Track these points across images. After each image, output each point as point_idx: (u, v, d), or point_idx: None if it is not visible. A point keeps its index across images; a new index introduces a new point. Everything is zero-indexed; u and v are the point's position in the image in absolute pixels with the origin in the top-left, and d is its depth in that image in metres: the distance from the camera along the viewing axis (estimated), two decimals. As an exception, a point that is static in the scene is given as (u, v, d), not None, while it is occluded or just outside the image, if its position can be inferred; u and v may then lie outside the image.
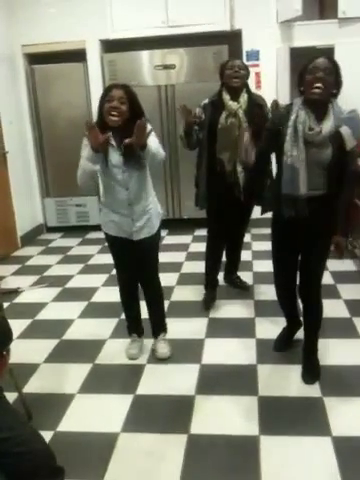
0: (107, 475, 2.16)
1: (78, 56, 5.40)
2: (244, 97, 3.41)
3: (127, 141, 2.58)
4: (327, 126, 2.39)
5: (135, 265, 2.97)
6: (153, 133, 2.72)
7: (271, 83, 5.13)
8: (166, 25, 5.10)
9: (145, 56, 5.37)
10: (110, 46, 5.45)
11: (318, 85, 2.34)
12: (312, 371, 2.78)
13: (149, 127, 2.63)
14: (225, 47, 5.16)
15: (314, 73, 2.36)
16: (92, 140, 2.56)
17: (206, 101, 3.47)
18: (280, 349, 3.05)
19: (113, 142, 2.70)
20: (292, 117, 2.44)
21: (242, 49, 5.20)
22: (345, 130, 2.39)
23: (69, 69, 5.56)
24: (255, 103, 3.44)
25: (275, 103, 3.15)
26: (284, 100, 4.46)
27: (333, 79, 2.38)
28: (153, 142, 2.66)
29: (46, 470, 1.76)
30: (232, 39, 5.22)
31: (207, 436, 2.37)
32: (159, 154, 2.71)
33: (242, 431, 2.38)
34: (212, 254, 3.74)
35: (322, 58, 2.39)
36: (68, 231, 5.90)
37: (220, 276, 3.90)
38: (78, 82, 5.56)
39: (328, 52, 4.71)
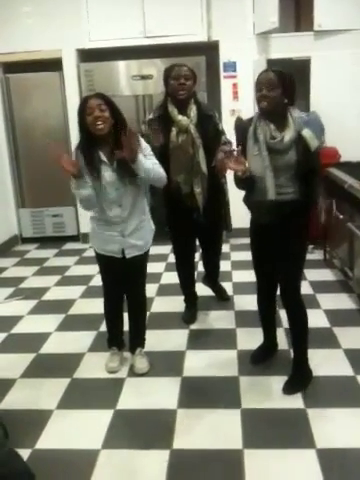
0: (88, 494, 2.09)
1: (54, 65, 5.34)
2: (193, 109, 3.14)
3: (118, 154, 2.52)
4: (288, 133, 2.50)
5: (122, 280, 2.92)
6: (149, 150, 2.70)
7: (248, 94, 5.14)
8: (143, 35, 5.10)
9: (122, 66, 5.34)
10: (87, 56, 5.41)
11: (262, 102, 2.49)
12: (292, 381, 2.76)
13: (143, 144, 2.66)
14: (202, 58, 5.17)
15: (258, 89, 2.50)
16: (66, 168, 2.52)
17: (151, 116, 3.21)
18: (257, 362, 3.02)
19: (104, 158, 2.64)
20: (251, 128, 2.56)
21: (219, 60, 5.22)
22: (307, 132, 2.49)
23: (45, 78, 5.50)
24: (205, 114, 3.21)
25: (239, 119, 3.14)
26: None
27: (279, 92, 2.46)
28: (146, 162, 2.61)
29: None
30: (209, 50, 5.24)
31: (190, 451, 2.32)
32: (154, 174, 2.65)
33: (225, 445, 2.34)
34: (182, 272, 3.63)
35: (264, 73, 2.51)
36: (44, 242, 5.80)
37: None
38: (54, 92, 5.50)
39: (292, 63, 4.81)
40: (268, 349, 3.08)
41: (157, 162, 2.74)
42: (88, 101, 2.58)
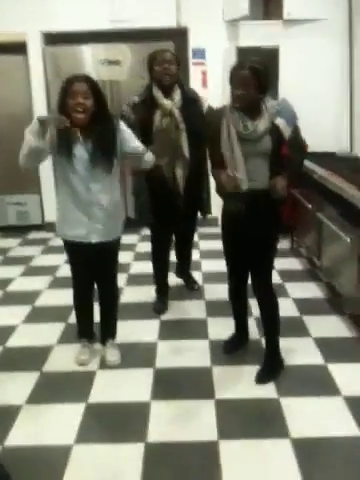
0: (61, 491, 2.04)
1: (18, 49, 5.15)
2: (178, 93, 3.19)
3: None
4: (262, 123, 2.51)
5: (92, 269, 2.84)
6: (129, 132, 2.69)
7: (217, 82, 5.11)
8: (111, 20, 4.97)
9: (89, 50, 5.21)
10: (52, 39, 5.24)
11: (236, 101, 2.49)
12: (264, 371, 2.78)
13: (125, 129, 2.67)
14: (171, 44, 5.08)
15: (233, 87, 2.48)
16: (56, 120, 2.43)
17: (136, 99, 3.22)
18: (229, 352, 3.02)
19: (79, 135, 2.56)
20: (224, 120, 2.54)
21: (188, 47, 5.15)
22: (280, 121, 2.52)
23: (8, 62, 5.30)
24: (189, 98, 3.25)
25: (210, 110, 3.18)
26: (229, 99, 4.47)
27: (253, 90, 2.46)
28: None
29: None
30: (178, 36, 5.16)
31: (165, 444, 2.29)
32: (145, 157, 2.71)
33: (201, 437, 2.32)
34: (159, 259, 3.61)
35: (239, 70, 2.49)
36: (7, 231, 5.61)
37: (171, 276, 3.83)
38: (18, 76, 5.30)
39: (266, 53, 4.79)
40: (240, 339, 3.08)
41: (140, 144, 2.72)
42: (74, 84, 2.48)
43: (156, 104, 3.16)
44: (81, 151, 2.57)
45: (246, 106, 2.50)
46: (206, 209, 3.60)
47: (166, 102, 3.15)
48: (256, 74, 2.46)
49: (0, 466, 1.68)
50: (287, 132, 2.53)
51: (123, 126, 2.70)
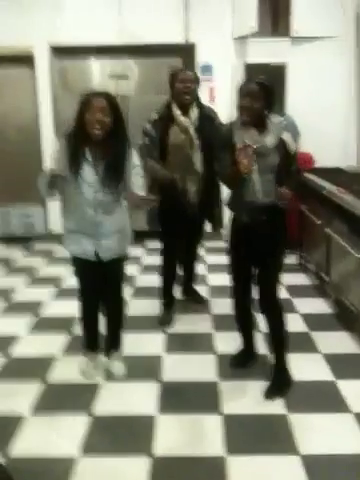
0: (66, 505, 1.99)
1: (27, 61, 5.18)
2: (195, 112, 3.30)
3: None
4: (270, 139, 2.55)
5: (99, 282, 2.81)
6: (134, 159, 2.68)
7: (225, 98, 5.13)
8: (119, 34, 5.01)
9: (97, 64, 5.26)
10: (61, 52, 5.28)
11: (244, 113, 2.52)
12: (272, 387, 2.73)
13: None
14: (179, 60, 5.14)
15: (242, 100, 2.51)
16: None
17: (156, 117, 3.31)
18: (236, 367, 2.98)
19: (88, 157, 2.54)
20: (237, 132, 2.58)
21: (196, 63, 5.18)
22: (286, 136, 2.58)
23: (16, 74, 5.34)
24: (206, 116, 3.35)
25: (220, 123, 3.31)
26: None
27: (261, 103, 2.49)
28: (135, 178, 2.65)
29: None
30: (186, 52, 5.20)
31: (171, 458, 2.24)
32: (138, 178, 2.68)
33: (208, 452, 2.28)
34: (168, 270, 3.61)
35: (247, 84, 2.55)
36: (12, 241, 5.60)
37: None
38: (26, 88, 5.34)
39: (275, 70, 4.83)
40: (247, 354, 3.03)
41: (136, 162, 2.69)
42: (94, 99, 2.46)
43: (173, 120, 3.26)
44: (90, 172, 2.54)
45: (252, 119, 2.52)
46: (218, 223, 3.63)
47: (183, 119, 3.25)
48: (263, 89, 2.50)
49: (3, 471, 1.62)
50: (293, 146, 2.59)
51: (135, 159, 2.67)
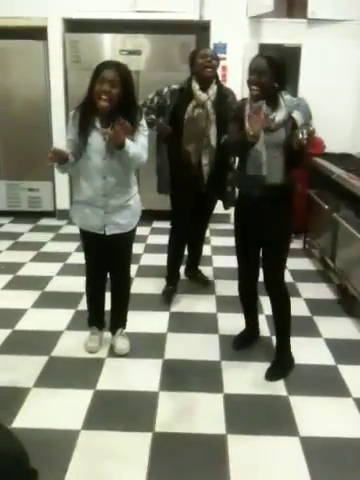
0: (68, 476, 2.02)
1: (39, 34, 5.13)
2: (213, 88, 3.35)
3: (106, 133, 2.48)
4: (280, 115, 2.54)
5: (106, 258, 2.82)
6: (145, 133, 2.63)
7: (237, 77, 5.08)
8: (134, 9, 4.94)
9: (109, 39, 5.19)
10: (73, 26, 5.22)
11: (253, 87, 2.50)
12: (274, 368, 2.76)
13: (143, 125, 2.61)
14: (193, 37, 5.06)
15: (250, 75, 2.52)
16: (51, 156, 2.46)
17: (176, 86, 3.39)
18: (238, 347, 3.00)
19: (98, 124, 2.54)
20: (247, 107, 2.55)
21: (210, 41, 5.12)
22: (297, 114, 2.60)
23: (28, 47, 5.27)
24: (223, 95, 3.39)
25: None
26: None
27: (268, 78, 2.47)
28: (134, 147, 2.51)
29: (18, 473, 1.57)
30: (200, 30, 5.13)
31: (172, 435, 2.28)
32: (136, 158, 2.56)
33: (208, 430, 2.31)
34: (176, 247, 3.64)
35: (256, 59, 2.54)
36: (19, 216, 5.61)
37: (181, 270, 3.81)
38: (37, 61, 5.28)
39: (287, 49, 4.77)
40: (250, 335, 3.06)
41: (145, 144, 2.64)
42: (104, 70, 2.45)
43: (192, 95, 3.31)
44: (98, 140, 2.55)
45: (262, 94, 2.49)
46: (230, 201, 3.58)
47: (202, 94, 3.30)
48: (271, 62, 2.48)
49: (26, 459, 1.61)
50: (300, 122, 2.59)
51: (144, 126, 2.64)
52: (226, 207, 3.60)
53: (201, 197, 3.50)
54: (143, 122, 2.65)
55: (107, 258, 2.84)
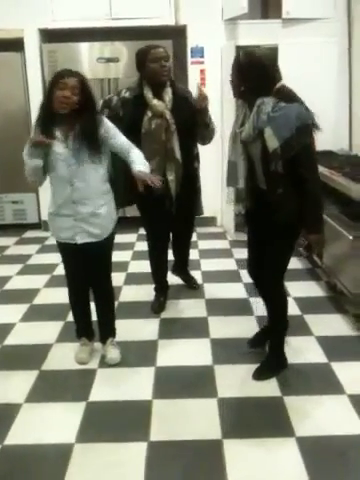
0: (63, 491, 2.00)
1: (15, 45, 5.10)
2: (169, 93, 3.04)
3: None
4: (248, 126, 2.36)
5: (83, 270, 2.79)
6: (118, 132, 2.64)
7: (216, 80, 5.10)
8: (109, 17, 4.94)
9: (87, 48, 5.17)
10: (50, 36, 5.20)
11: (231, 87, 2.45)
12: (261, 368, 2.74)
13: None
14: (169, 42, 5.04)
15: None
16: (35, 136, 2.47)
17: (127, 94, 3.05)
18: (253, 346, 2.98)
19: (58, 134, 2.53)
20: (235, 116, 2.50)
21: (187, 45, 5.12)
22: (267, 131, 2.30)
23: (5, 59, 5.24)
24: (181, 97, 3.10)
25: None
26: (229, 97, 4.45)
27: (235, 79, 2.40)
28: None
29: None
30: (176, 35, 5.13)
31: (168, 442, 2.25)
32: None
33: (204, 436, 2.28)
34: (155, 257, 3.53)
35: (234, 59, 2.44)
36: (3, 229, 5.55)
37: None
38: (15, 73, 5.24)
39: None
40: (266, 334, 2.98)
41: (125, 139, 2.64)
42: (65, 77, 2.45)
43: (146, 104, 3.00)
44: (60, 148, 2.53)
45: (237, 96, 2.45)
46: (197, 209, 3.48)
47: (157, 103, 3.00)
48: (239, 60, 2.38)
49: None
50: (272, 144, 2.30)
51: (107, 122, 2.62)
52: (199, 213, 3.49)
53: (170, 209, 3.24)
54: (107, 123, 2.61)
55: (84, 269, 2.79)
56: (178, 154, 3.10)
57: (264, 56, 2.41)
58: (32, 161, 2.54)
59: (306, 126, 2.33)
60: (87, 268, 2.79)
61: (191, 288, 3.85)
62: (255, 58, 2.37)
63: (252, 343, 3.00)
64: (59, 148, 2.54)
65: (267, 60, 2.40)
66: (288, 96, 2.38)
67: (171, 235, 3.63)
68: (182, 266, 3.88)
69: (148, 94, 3.00)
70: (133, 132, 2.93)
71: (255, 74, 2.33)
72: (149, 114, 3.00)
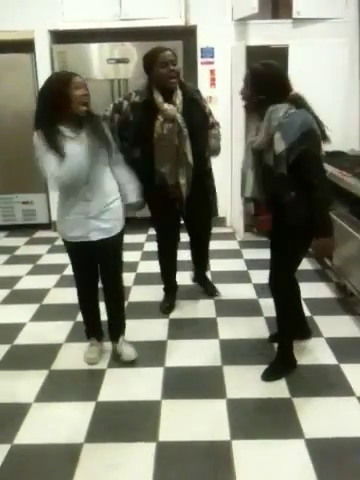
0: (72, 491, 2.01)
1: (26, 47, 5.13)
2: (179, 96, 2.98)
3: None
4: (260, 135, 2.41)
5: (95, 267, 2.80)
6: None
7: (226, 81, 5.09)
8: (119, 18, 4.95)
9: (97, 49, 5.18)
10: (60, 37, 5.22)
11: (242, 100, 2.50)
12: (270, 368, 2.74)
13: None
14: (179, 43, 5.06)
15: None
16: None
17: (137, 99, 2.99)
18: (271, 341, 3.01)
19: (68, 133, 2.50)
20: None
21: (197, 46, 5.12)
22: (276, 136, 2.34)
23: (16, 60, 5.26)
24: (191, 98, 3.06)
25: None
26: (238, 99, 4.45)
27: (251, 90, 2.41)
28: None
29: None
30: (186, 35, 5.13)
31: (177, 443, 2.25)
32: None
33: (213, 437, 2.28)
34: (164, 256, 3.53)
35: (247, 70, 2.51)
36: (14, 230, 5.60)
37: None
38: (25, 74, 5.27)
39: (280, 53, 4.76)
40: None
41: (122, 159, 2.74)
42: (74, 77, 2.46)
43: (157, 108, 2.95)
44: (73, 146, 2.49)
45: (250, 108, 2.48)
46: (213, 211, 3.45)
47: (169, 107, 2.94)
48: (253, 74, 2.43)
49: None
50: (278, 148, 2.32)
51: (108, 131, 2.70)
52: (214, 215, 3.47)
53: (183, 214, 3.29)
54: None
55: (95, 268, 2.80)
56: (190, 158, 3.05)
57: (277, 67, 2.48)
58: (72, 161, 2.45)
59: (311, 131, 2.35)
60: (97, 267, 2.80)
61: (211, 296, 3.73)
62: (271, 69, 2.44)
63: (272, 338, 3.01)
64: (73, 147, 2.51)
65: (281, 70, 2.49)
66: (299, 103, 2.42)
67: (189, 238, 3.63)
68: (201, 273, 3.84)
69: (158, 98, 2.96)
70: (141, 137, 2.95)
71: (270, 85, 2.39)
72: (160, 119, 2.95)
